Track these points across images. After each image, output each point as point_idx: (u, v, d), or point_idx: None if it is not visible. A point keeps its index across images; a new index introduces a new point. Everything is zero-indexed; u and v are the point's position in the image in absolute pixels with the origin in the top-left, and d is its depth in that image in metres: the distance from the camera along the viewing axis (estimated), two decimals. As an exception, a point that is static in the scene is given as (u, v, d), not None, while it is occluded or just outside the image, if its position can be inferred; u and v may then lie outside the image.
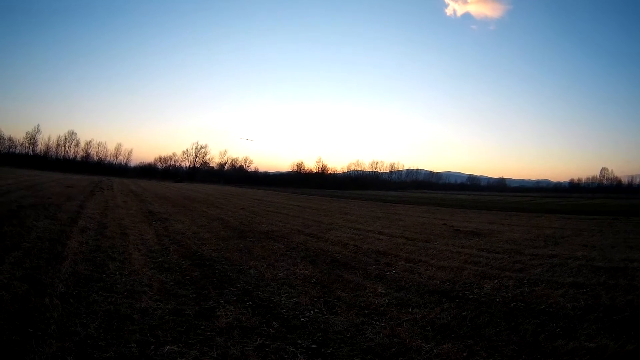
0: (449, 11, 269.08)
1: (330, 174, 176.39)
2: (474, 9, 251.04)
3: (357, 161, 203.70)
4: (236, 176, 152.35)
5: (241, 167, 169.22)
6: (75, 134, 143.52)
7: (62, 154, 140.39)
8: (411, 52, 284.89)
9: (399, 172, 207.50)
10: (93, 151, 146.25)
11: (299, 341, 5.93)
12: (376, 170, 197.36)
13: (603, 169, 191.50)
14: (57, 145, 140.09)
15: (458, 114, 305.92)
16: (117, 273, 8.90)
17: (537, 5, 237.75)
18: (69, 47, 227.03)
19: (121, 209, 23.28)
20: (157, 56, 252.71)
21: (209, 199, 39.37)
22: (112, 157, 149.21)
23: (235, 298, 7.82)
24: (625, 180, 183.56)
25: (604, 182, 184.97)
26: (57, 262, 9.24)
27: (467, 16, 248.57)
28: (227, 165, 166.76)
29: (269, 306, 7.47)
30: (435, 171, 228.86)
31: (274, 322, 6.59)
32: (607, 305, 8.13)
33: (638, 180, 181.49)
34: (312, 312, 7.29)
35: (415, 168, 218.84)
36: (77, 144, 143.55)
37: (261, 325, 6.41)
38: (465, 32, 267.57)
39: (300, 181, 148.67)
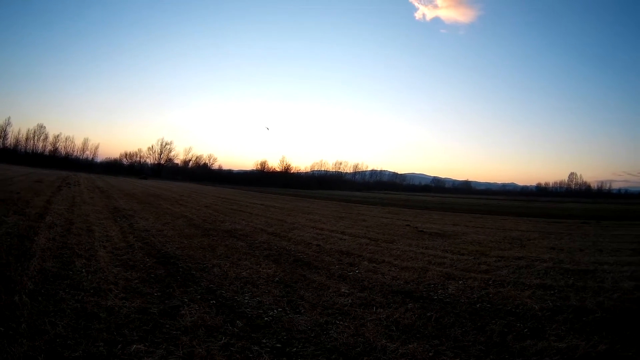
0: (418, 15, 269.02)
1: (294, 173, 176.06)
2: (444, 14, 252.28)
3: (321, 161, 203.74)
4: (200, 174, 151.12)
5: (205, 164, 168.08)
6: (44, 127, 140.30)
7: (31, 148, 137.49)
8: (379, 53, 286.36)
9: (363, 172, 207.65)
10: (61, 145, 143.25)
11: (264, 340, 5.90)
12: (340, 170, 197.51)
13: (572, 174, 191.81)
14: (27, 138, 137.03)
15: (424, 116, 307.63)
16: (84, 270, 8.79)
17: (508, 12, 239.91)
18: (39, 39, 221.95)
19: (87, 205, 22.94)
20: (127, 52, 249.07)
21: (173, 196, 38.98)
22: (79, 152, 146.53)
23: (199, 297, 7.77)
24: (594, 185, 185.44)
25: (573, 186, 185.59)
26: (26, 259, 9.10)
27: (437, 21, 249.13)
28: (191, 162, 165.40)
29: (233, 305, 7.44)
30: (399, 172, 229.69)
31: (238, 321, 6.56)
32: (577, 307, 8.19)
33: (608, 185, 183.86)
34: (275, 311, 7.27)
35: (379, 169, 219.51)
36: (46, 137, 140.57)
37: (225, 324, 6.38)
38: (434, 36, 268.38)
39: (264, 180, 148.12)
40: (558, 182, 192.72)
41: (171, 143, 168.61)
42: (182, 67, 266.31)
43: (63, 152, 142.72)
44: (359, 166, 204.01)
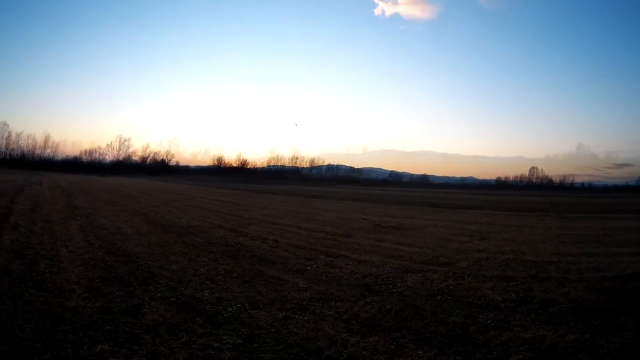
0: (377, 11, 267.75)
1: (250, 168, 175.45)
2: (404, 10, 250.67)
3: (277, 156, 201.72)
4: (158, 170, 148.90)
5: (163, 160, 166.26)
6: (8, 124, 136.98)
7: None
8: (336, 48, 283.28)
9: (320, 167, 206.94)
10: (23, 143, 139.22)
11: (225, 337, 5.94)
12: (296, 165, 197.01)
13: (532, 168, 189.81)
14: None
15: (381, 110, 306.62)
16: (47, 271, 8.78)
17: (468, 8, 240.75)
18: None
19: (49, 205, 22.63)
20: (86, 47, 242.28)
21: (131, 193, 38.48)
22: (40, 150, 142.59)
23: (159, 294, 7.80)
24: (556, 179, 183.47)
25: (534, 180, 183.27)
26: (-10, 261, 8.94)
27: (396, 16, 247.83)
28: (149, 158, 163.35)
29: (193, 302, 7.48)
30: (356, 167, 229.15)
31: (198, 319, 6.60)
32: (541, 298, 8.17)
33: (571, 179, 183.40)
34: (235, 307, 7.31)
35: (335, 163, 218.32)
36: (9, 135, 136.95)
37: (186, 322, 6.41)
38: (394, 32, 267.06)
39: (221, 175, 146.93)
40: (518, 176, 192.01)
41: (129, 139, 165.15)
42: (142, 61, 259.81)
43: (25, 150, 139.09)
44: (316, 161, 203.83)
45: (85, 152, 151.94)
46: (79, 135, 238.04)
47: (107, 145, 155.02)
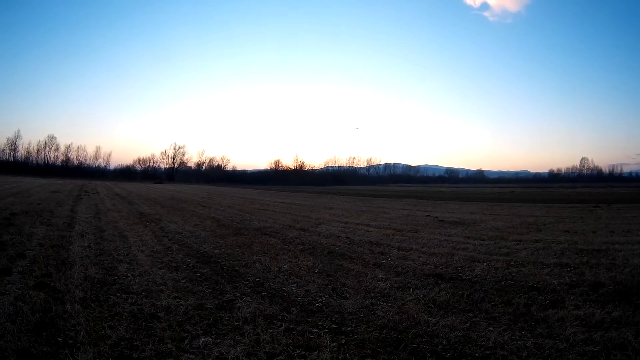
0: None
1: (308, 170, 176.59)
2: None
3: (335, 157, 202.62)
4: (215, 175, 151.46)
5: (219, 166, 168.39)
6: (55, 138, 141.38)
7: (43, 159, 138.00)
8: (398, 45, 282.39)
9: (377, 166, 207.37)
10: (73, 155, 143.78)
11: (320, 323, 6.30)
12: (353, 165, 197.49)
13: (583, 159, 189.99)
14: (38, 150, 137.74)
15: (436, 107, 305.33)
16: (129, 275, 8.95)
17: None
18: (44, 50, 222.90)
19: (113, 212, 23.17)
20: (130, 56, 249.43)
21: (194, 198, 39.13)
22: (91, 160, 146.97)
23: (250, 290, 8.06)
24: (606, 169, 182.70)
25: (585, 171, 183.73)
26: (67, 268, 9.22)
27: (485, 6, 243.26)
28: (205, 164, 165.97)
29: (283, 295, 7.78)
30: (412, 164, 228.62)
31: (292, 309, 6.93)
32: (592, 281, 8.80)
33: (619, 168, 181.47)
34: (323, 297, 7.68)
35: (392, 162, 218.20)
36: (57, 148, 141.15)
37: (282, 312, 6.72)
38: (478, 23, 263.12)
39: (279, 178, 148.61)
40: (570, 167, 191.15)
41: (184, 147, 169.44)
42: (190, 70, 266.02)
43: (75, 161, 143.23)
44: (373, 160, 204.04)
45: (139, 160, 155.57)
46: (130, 146, 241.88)
47: (162, 153, 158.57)
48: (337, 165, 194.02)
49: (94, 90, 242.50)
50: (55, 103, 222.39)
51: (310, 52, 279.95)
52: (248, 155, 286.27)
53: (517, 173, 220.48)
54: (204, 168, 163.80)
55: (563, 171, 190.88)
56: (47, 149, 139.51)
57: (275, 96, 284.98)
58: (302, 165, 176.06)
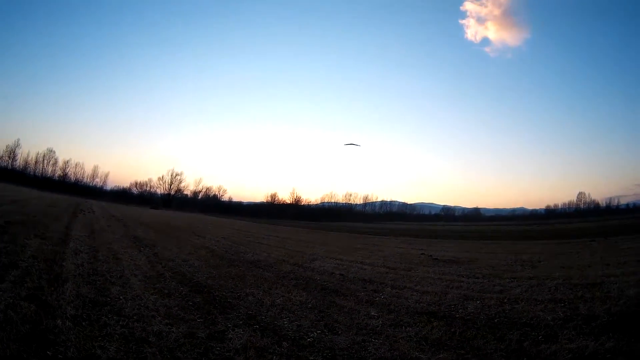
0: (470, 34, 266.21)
1: (304, 205, 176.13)
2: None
3: (331, 193, 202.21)
4: (211, 205, 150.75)
5: (215, 196, 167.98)
6: (54, 152, 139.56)
7: (41, 171, 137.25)
8: (397, 86, 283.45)
9: (373, 203, 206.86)
10: (70, 171, 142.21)
11: (311, 357, 6.42)
12: (350, 202, 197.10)
13: (580, 194, 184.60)
14: (36, 161, 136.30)
15: (432, 145, 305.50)
16: (121, 297, 8.99)
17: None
18: (49, 62, 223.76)
19: (107, 233, 23.23)
20: (136, 79, 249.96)
21: (189, 227, 39.07)
22: (89, 179, 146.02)
23: (241, 322, 8.11)
24: (603, 202, 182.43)
25: (582, 206, 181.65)
26: (59, 284, 9.28)
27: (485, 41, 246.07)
28: (201, 193, 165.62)
29: (275, 329, 7.85)
30: (409, 202, 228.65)
31: (284, 342, 7.02)
32: (585, 315, 8.98)
33: (617, 201, 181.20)
34: (315, 333, 7.77)
35: (389, 199, 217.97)
36: (56, 162, 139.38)
37: (273, 345, 6.80)
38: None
39: (275, 212, 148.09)
40: (567, 202, 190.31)
41: (182, 174, 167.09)
42: (192, 104, 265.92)
43: (73, 177, 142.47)
44: (369, 197, 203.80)
45: (136, 183, 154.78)
46: (127, 168, 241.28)
47: (159, 178, 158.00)
48: (333, 201, 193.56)
49: (96, 110, 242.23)
50: (57, 118, 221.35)
51: (311, 93, 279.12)
52: (245, 187, 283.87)
53: (513, 210, 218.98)
54: (200, 197, 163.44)
55: (560, 206, 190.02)
56: (45, 161, 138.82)
57: (275, 132, 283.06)
58: (298, 200, 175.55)
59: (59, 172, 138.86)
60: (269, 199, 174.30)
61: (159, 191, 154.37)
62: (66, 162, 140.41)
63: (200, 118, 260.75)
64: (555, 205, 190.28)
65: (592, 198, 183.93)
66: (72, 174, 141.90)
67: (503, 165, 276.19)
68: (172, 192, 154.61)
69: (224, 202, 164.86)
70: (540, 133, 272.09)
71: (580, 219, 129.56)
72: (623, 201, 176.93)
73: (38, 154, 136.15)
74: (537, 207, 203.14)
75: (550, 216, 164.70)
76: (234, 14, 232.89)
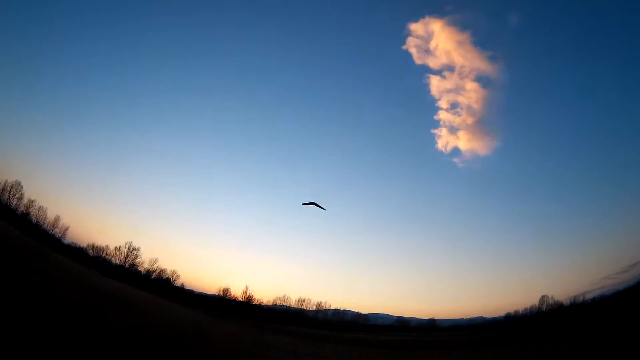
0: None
1: (256, 304, 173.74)
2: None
3: (284, 296, 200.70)
4: (161, 286, 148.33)
5: (168, 279, 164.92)
6: (22, 187, 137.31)
7: (5, 201, 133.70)
8: (362, 193, 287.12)
9: (325, 311, 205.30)
10: (34, 212, 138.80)
11: None
12: (302, 307, 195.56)
13: (543, 297, 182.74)
14: (3, 189, 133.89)
15: (387, 256, 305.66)
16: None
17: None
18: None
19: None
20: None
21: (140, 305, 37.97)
22: (49, 226, 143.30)
23: None
24: (566, 302, 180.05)
25: (544, 308, 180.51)
26: None
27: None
28: (154, 273, 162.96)
29: None
30: (362, 312, 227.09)
31: None
32: None
33: (581, 297, 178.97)
34: None
35: (342, 308, 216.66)
36: (22, 197, 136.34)
37: None
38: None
39: (226, 307, 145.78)
40: (528, 307, 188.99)
41: (139, 249, 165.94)
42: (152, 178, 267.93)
43: (34, 219, 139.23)
44: (322, 305, 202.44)
45: (93, 246, 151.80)
46: (87, 227, 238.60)
47: (116, 248, 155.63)
48: (285, 304, 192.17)
49: (73, 163, 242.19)
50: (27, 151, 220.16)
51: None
52: (198, 273, 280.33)
53: (470, 320, 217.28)
54: (152, 277, 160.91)
55: (521, 312, 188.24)
56: (11, 192, 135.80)
57: (232, 224, 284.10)
58: (250, 299, 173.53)
59: (22, 209, 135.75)
60: (221, 292, 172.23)
61: (114, 261, 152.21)
62: (31, 202, 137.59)
63: (162, 198, 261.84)
64: (516, 311, 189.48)
65: (555, 299, 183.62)
66: (35, 216, 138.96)
67: (461, 274, 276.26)
68: (127, 266, 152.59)
69: (176, 286, 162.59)
70: (499, 242, 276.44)
71: (542, 324, 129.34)
72: (589, 296, 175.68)
73: (6, 182, 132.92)
74: (496, 315, 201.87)
75: (511, 323, 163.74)
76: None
